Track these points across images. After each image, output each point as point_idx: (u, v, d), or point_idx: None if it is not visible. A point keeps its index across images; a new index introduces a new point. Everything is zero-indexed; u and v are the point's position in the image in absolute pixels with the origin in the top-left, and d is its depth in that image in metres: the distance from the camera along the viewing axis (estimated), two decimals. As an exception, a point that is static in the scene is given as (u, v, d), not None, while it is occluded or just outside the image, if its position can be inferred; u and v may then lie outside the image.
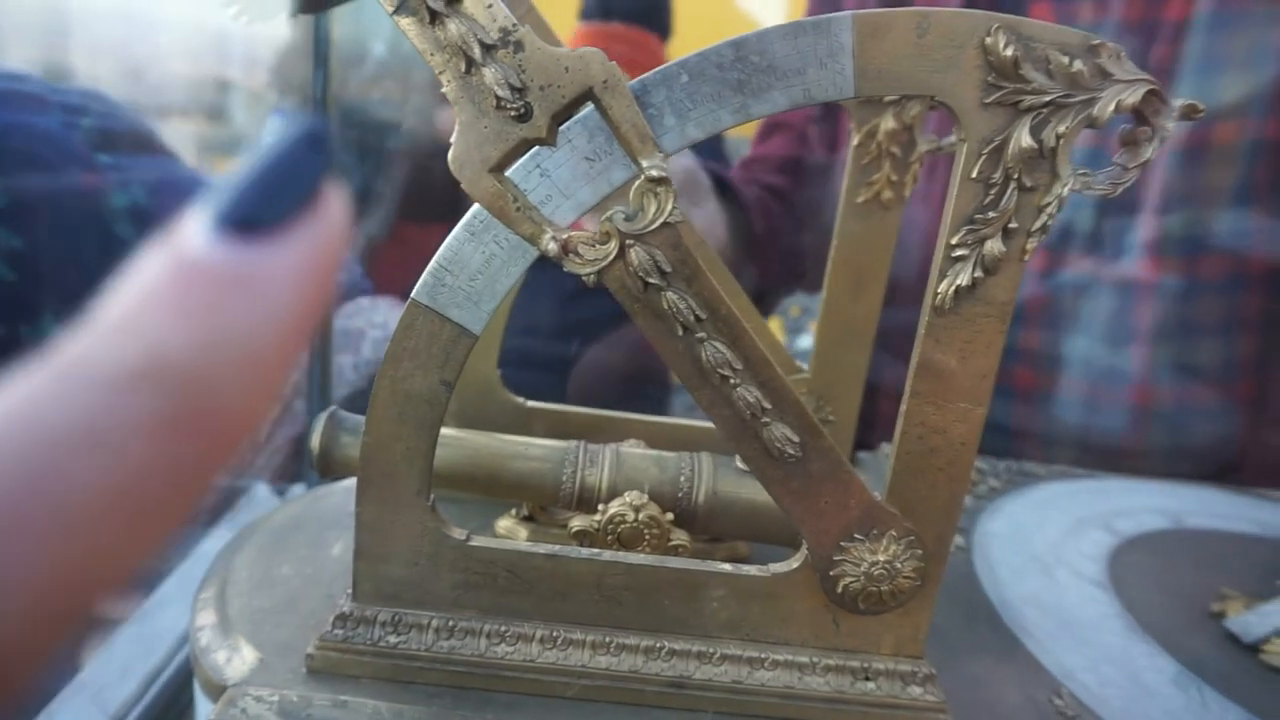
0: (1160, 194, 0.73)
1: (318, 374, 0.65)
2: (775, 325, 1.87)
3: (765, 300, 0.92)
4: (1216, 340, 0.73)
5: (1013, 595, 0.46)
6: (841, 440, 0.49)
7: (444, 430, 0.41)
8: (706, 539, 0.44)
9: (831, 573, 0.34)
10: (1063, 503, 0.58)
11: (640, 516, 0.38)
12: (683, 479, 0.40)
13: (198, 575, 0.41)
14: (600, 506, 0.39)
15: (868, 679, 0.35)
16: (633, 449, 0.42)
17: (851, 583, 0.34)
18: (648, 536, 0.38)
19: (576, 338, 0.89)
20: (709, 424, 0.41)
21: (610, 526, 0.38)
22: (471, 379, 0.48)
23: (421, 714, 0.33)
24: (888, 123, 0.44)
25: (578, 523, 0.39)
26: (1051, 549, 0.51)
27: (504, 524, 0.45)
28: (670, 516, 0.39)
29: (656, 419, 0.49)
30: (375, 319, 0.85)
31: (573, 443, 0.41)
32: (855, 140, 0.44)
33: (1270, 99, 0.68)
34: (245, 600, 0.38)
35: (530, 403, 0.49)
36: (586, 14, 1.21)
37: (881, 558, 0.33)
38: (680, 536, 0.39)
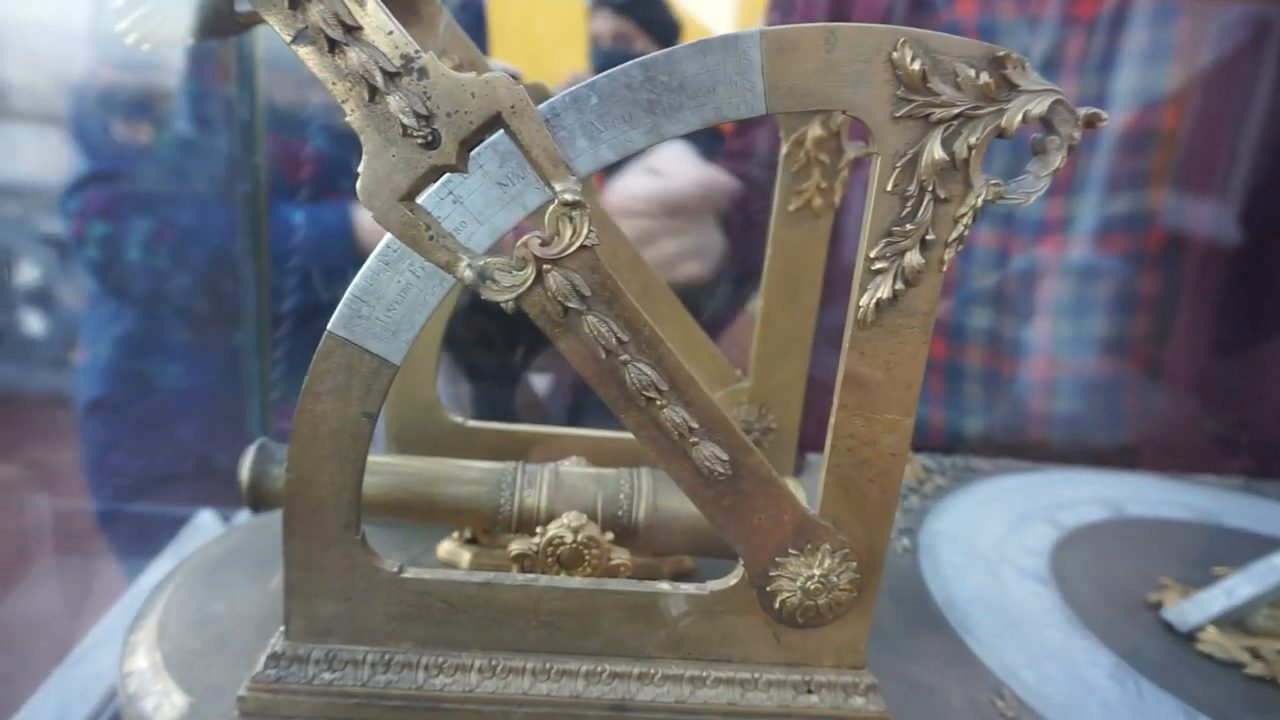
0: (1066, 178, 0.75)
1: (258, 404, 0.64)
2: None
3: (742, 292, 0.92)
4: (1113, 317, 0.76)
5: (958, 595, 0.46)
6: (785, 446, 0.49)
7: (378, 457, 0.41)
8: (651, 555, 0.43)
9: (768, 589, 0.34)
10: (1007, 498, 0.59)
11: (579, 537, 0.38)
12: (622, 496, 0.40)
13: (134, 612, 0.40)
14: (539, 529, 0.38)
15: (810, 692, 0.35)
16: (572, 468, 0.42)
17: (789, 598, 0.34)
18: (588, 557, 0.38)
19: (523, 346, 0.89)
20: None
21: (549, 549, 0.38)
22: (409, 401, 0.47)
23: (358, 752, 0.32)
24: (815, 130, 0.44)
25: (516, 546, 0.38)
26: (996, 546, 0.52)
27: (446, 547, 0.44)
28: (610, 536, 0.38)
29: (600, 434, 0.49)
30: None
31: (510, 464, 0.41)
32: (784, 149, 0.44)
33: (1167, 91, 0.71)
34: (176, 641, 0.37)
35: (471, 422, 0.48)
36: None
37: (817, 572, 0.33)
38: (621, 555, 0.38)
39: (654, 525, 0.40)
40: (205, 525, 0.68)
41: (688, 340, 0.48)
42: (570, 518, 0.38)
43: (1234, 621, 0.44)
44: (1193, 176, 0.76)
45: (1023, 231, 0.77)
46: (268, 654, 0.34)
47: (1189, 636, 0.44)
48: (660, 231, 0.73)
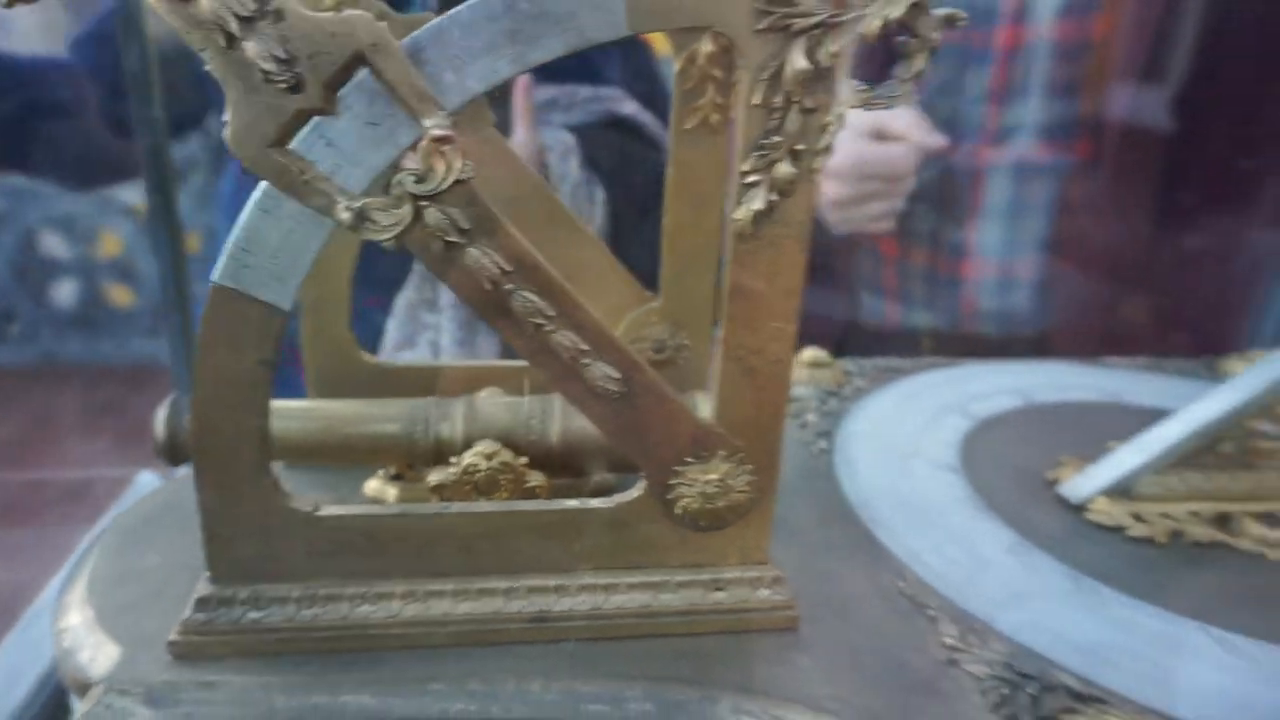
0: (1003, 86, 0.79)
1: (182, 356, 0.64)
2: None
3: None
4: (1040, 219, 0.81)
5: (870, 490, 0.49)
6: (698, 362, 0.51)
7: (295, 402, 0.42)
8: (573, 476, 0.45)
9: (669, 496, 0.35)
10: (925, 394, 0.61)
11: (493, 463, 0.39)
12: (534, 421, 0.41)
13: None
14: (453, 459, 0.39)
15: (719, 589, 0.37)
16: (486, 398, 0.43)
17: (690, 503, 0.35)
18: (503, 482, 0.39)
19: None
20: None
21: (465, 477, 0.39)
22: (326, 345, 0.47)
23: (289, 683, 0.34)
24: (706, 46, 0.44)
25: (434, 477, 0.39)
26: (910, 440, 0.54)
27: (372, 485, 0.45)
28: (524, 460, 0.40)
29: (517, 364, 0.50)
30: None
31: (425, 399, 0.42)
32: (677, 66, 0.45)
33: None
34: (108, 596, 0.38)
35: (388, 363, 0.49)
36: None
37: (714, 476, 0.35)
38: (536, 478, 0.40)
39: (568, 447, 0.41)
40: (145, 485, 0.68)
41: (597, 263, 0.48)
42: (484, 445, 0.39)
43: (1121, 490, 0.47)
44: (1118, 84, 0.79)
45: (965, 138, 0.81)
46: (194, 598, 0.35)
47: (1081, 508, 0.47)
48: (875, 194, 0.77)
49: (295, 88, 0.28)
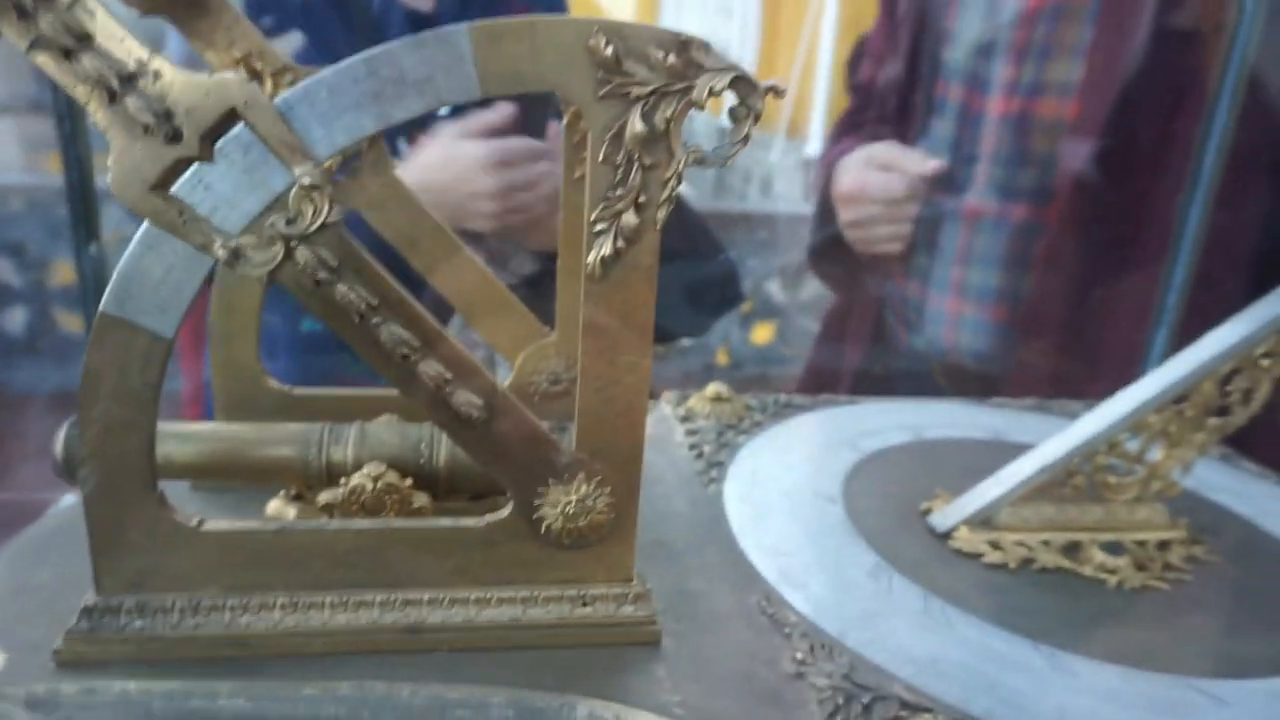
0: (993, 149, 0.88)
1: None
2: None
3: None
4: (1008, 271, 0.89)
5: (749, 519, 0.52)
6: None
7: (197, 425, 0.44)
8: (467, 498, 0.48)
9: (534, 516, 0.38)
10: (821, 430, 0.65)
11: (379, 485, 0.42)
12: (423, 446, 0.44)
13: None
14: (342, 480, 0.42)
15: (585, 604, 0.40)
16: (378, 424, 0.45)
17: (553, 522, 0.38)
18: (389, 503, 0.42)
19: None
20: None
21: (352, 498, 0.42)
22: (234, 371, 0.50)
23: (169, 689, 0.36)
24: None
25: (324, 496, 0.42)
26: (797, 472, 0.58)
27: (274, 505, 0.48)
28: (409, 482, 0.42)
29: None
30: None
31: (319, 425, 0.45)
32: (565, 119, 0.48)
33: (1076, 85, 0.84)
34: (2, 608, 0.40)
35: (296, 390, 0.51)
36: None
37: (574, 498, 0.38)
38: (421, 499, 0.43)
39: (454, 470, 0.44)
40: (68, 506, 0.69)
41: (493, 299, 0.52)
42: (370, 468, 0.42)
43: (983, 520, 0.51)
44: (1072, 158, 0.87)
45: (951, 191, 0.90)
46: (81, 608, 0.37)
47: (946, 536, 0.51)
48: (879, 217, 0.89)
49: (174, 139, 0.31)
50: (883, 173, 0.89)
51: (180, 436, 0.43)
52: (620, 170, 0.34)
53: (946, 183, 0.90)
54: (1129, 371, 0.94)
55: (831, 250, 0.98)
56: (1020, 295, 0.90)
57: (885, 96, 0.96)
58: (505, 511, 0.39)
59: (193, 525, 0.37)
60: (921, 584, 0.46)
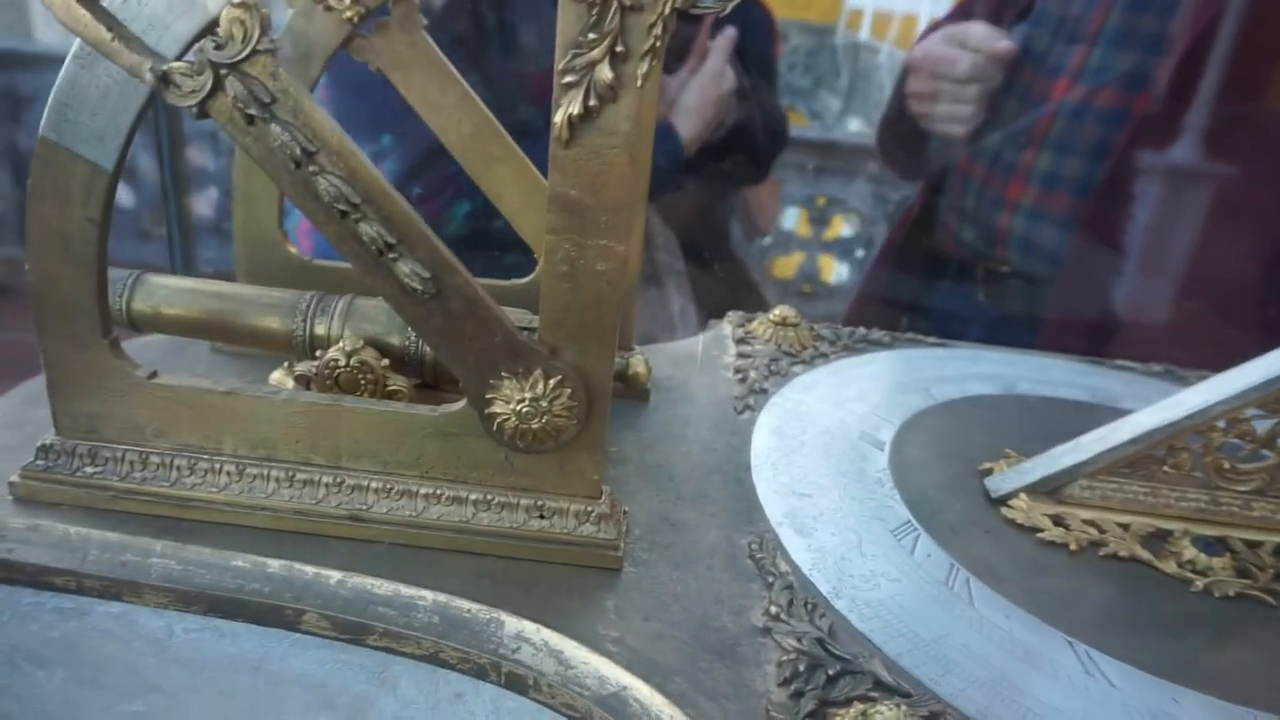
0: (1096, 30, 0.80)
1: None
2: (802, 215, 1.81)
3: None
4: (1083, 159, 0.81)
5: (773, 453, 0.46)
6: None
7: (187, 280, 0.43)
8: (451, 386, 0.44)
9: (487, 411, 0.34)
10: (892, 369, 0.57)
11: (352, 361, 0.39)
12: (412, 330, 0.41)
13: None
14: (318, 353, 0.40)
15: (541, 517, 0.36)
16: (370, 300, 0.43)
17: (505, 420, 0.34)
18: (364, 382, 0.39)
19: None
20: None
21: (326, 371, 0.39)
22: (254, 234, 0.48)
23: (106, 539, 0.35)
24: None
25: (300, 367, 0.40)
26: (846, 411, 0.51)
27: (275, 376, 0.46)
28: (386, 362, 0.39)
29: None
30: None
31: (309, 293, 0.42)
32: None
33: None
34: (-12, 438, 0.41)
35: (319, 260, 0.50)
36: None
37: (529, 395, 0.34)
38: (399, 382, 0.40)
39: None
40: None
41: (524, 184, 0.47)
42: (347, 342, 0.39)
43: (1050, 490, 0.43)
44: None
45: (1044, 73, 0.83)
46: (38, 445, 0.36)
47: (999, 502, 0.43)
48: (943, 94, 0.86)
49: (100, -57, 0.28)
50: (953, 47, 0.84)
51: (170, 291, 0.42)
52: (597, 10, 0.28)
53: (1038, 61, 0.83)
54: (1219, 306, 0.81)
55: (895, 126, 0.93)
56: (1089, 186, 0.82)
57: None
58: (461, 403, 0.35)
59: (144, 376, 0.35)
60: (952, 551, 0.39)
